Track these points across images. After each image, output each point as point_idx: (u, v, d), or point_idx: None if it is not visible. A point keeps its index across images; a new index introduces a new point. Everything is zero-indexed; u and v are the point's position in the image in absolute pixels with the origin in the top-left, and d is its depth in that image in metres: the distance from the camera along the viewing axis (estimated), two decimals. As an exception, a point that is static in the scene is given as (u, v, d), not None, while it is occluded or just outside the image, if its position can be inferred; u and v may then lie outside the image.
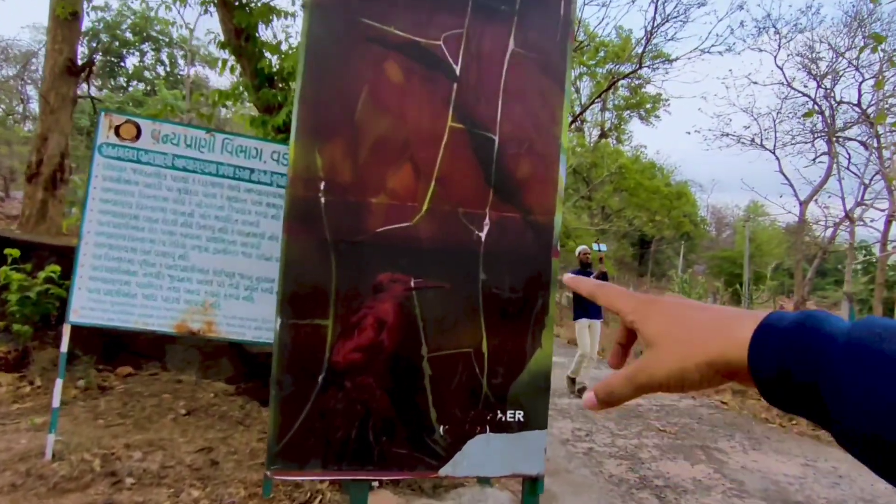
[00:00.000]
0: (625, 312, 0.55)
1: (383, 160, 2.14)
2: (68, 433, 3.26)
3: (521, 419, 2.20)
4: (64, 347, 2.91)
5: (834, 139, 18.23)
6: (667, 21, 13.36)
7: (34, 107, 25.54)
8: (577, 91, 21.40)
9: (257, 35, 4.14)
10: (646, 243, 31.79)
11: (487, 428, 2.16)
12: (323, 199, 2.09)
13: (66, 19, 5.89)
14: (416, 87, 2.19)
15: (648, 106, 22.67)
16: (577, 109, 20.26)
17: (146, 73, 28.55)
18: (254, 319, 3.01)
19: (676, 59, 19.54)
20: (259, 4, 3.96)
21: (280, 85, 4.09)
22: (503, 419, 2.19)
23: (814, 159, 19.14)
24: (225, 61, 4.18)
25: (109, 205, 2.81)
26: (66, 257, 4.33)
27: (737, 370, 0.44)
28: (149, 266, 2.84)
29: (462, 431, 2.13)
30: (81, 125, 19.41)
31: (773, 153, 19.48)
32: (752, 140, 19.64)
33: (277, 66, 4.03)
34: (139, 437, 3.32)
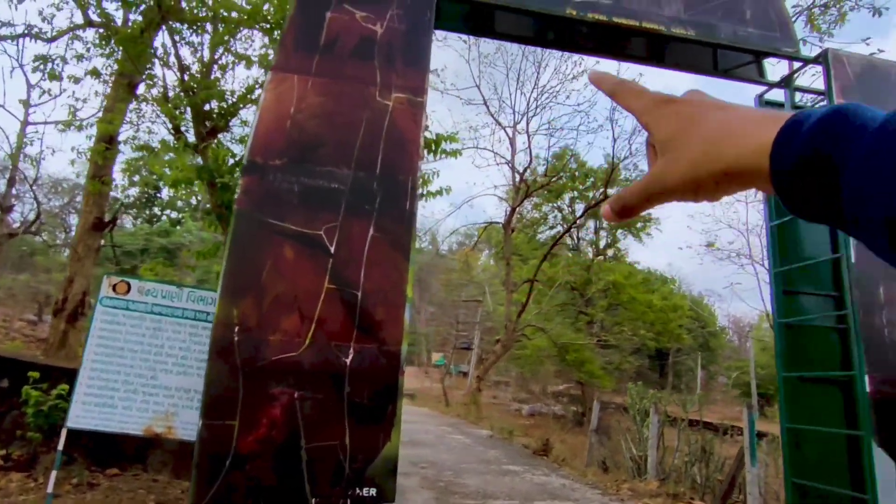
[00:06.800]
0: (638, 113, 0.49)
1: (279, 310, 3.21)
2: (59, 520, 4.14)
3: (374, 494, 3.07)
4: (60, 446, 3.89)
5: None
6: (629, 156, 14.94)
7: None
8: (573, 212, 22.98)
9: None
10: (663, 355, 31.78)
11: (349, 500, 3.03)
12: (236, 338, 3.15)
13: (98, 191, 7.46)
14: (303, 262, 3.31)
15: (639, 225, 24.03)
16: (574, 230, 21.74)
17: (179, 202, 31.16)
18: (207, 425, 3.98)
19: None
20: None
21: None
22: (361, 494, 3.06)
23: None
24: (211, 222, 5.49)
25: (104, 340, 3.91)
26: (75, 378, 5.41)
27: (755, 176, 0.39)
28: (128, 385, 3.88)
29: (329, 503, 3.02)
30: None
31: (764, 266, 20.23)
32: (738, 253, 20.46)
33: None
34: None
